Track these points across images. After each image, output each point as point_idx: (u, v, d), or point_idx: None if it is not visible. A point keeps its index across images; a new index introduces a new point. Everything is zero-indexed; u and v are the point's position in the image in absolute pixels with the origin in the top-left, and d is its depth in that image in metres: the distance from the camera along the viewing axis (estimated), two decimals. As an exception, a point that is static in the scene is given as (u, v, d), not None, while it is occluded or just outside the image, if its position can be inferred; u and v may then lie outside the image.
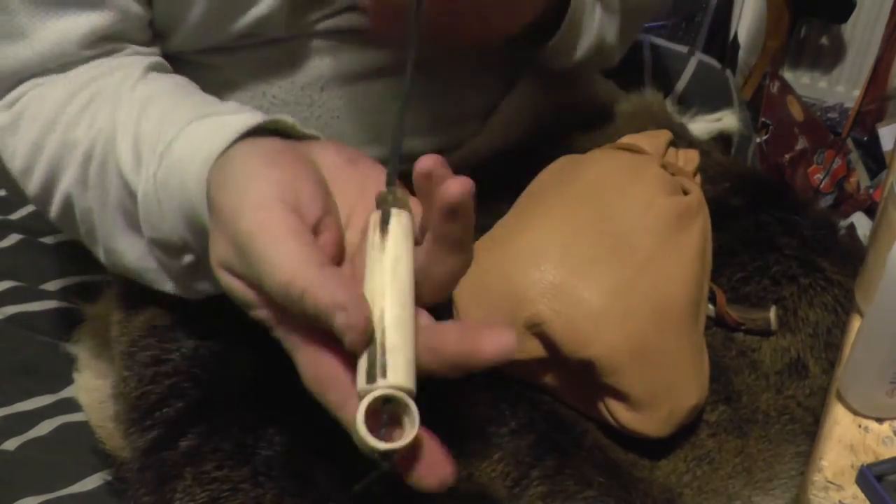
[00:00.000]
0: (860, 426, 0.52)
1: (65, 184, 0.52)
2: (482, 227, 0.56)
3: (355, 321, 0.34)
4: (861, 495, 0.49)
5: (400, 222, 0.38)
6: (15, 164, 0.54)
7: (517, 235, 0.55)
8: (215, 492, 0.48)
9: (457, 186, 0.34)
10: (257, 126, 0.43)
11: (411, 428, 0.35)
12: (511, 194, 0.60)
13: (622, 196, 0.56)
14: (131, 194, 0.48)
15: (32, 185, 0.54)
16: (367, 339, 0.35)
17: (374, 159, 0.45)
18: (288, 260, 0.36)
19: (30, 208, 0.81)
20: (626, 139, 0.64)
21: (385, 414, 0.35)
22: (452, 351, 0.35)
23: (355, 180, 0.43)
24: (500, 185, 0.60)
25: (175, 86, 0.52)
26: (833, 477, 0.50)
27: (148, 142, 0.47)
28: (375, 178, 0.43)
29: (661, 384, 0.51)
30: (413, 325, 0.36)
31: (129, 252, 0.52)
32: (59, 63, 0.53)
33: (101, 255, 0.54)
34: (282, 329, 0.38)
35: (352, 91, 0.61)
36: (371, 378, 0.34)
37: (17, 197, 0.82)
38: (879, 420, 0.53)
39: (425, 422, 0.35)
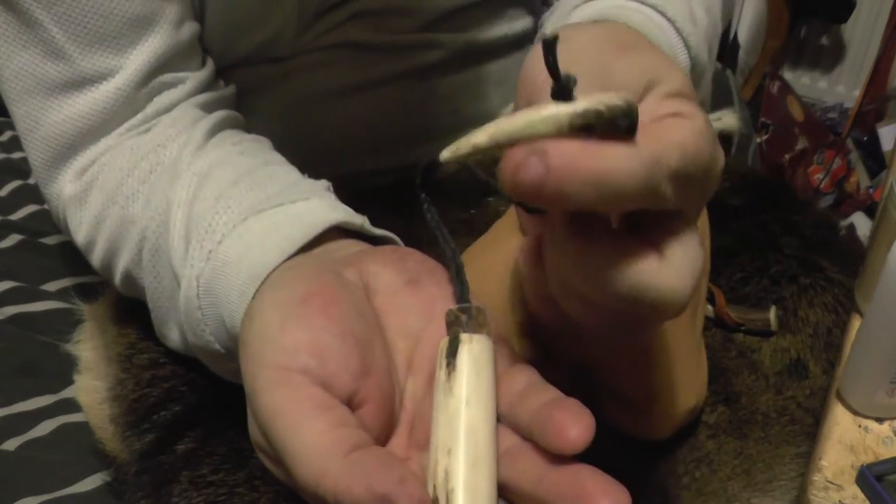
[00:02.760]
0: (860, 426, 0.52)
1: (123, 261, 0.49)
2: (480, 231, 0.57)
3: None
4: (861, 495, 0.49)
5: (472, 351, 0.31)
6: (79, 238, 0.52)
7: (512, 237, 0.55)
8: (211, 495, 0.48)
9: (576, 432, 0.29)
10: (323, 231, 0.39)
11: None
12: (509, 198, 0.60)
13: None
14: (177, 281, 0.44)
15: (95, 259, 0.52)
16: None
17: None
18: (313, 453, 0.30)
19: (30, 208, 0.81)
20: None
21: None
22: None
23: (418, 308, 0.36)
24: (498, 188, 0.60)
25: (240, 154, 0.47)
26: (833, 477, 0.50)
27: (197, 231, 0.42)
28: (445, 304, 0.35)
29: (658, 386, 0.51)
30: (493, 487, 0.30)
31: (177, 343, 0.48)
32: (121, 108, 0.50)
33: (161, 340, 0.51)
34: None
35: (348, 103, 0.61)
36: None
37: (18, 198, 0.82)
38: (879, 420, 0.53)
39: None
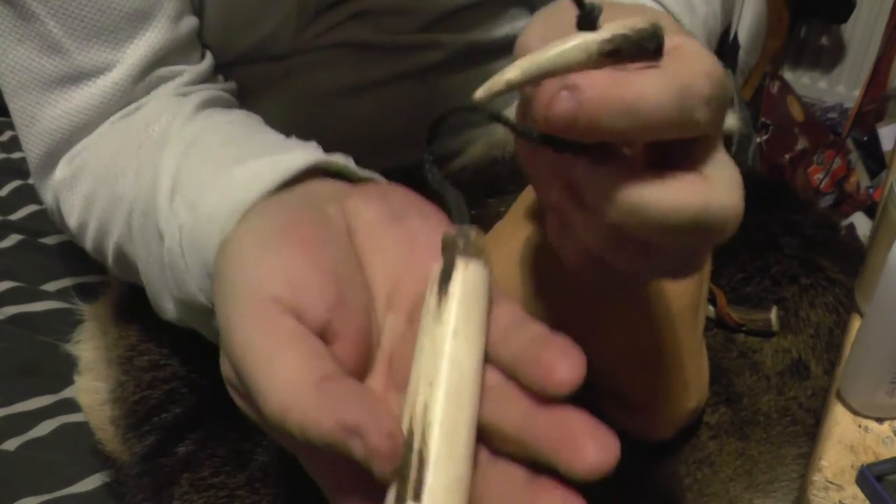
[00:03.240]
0: (860, 426, 0.52)
1: (114, 238, 0.48)
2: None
3: (376, 443, 0.26)
4: (861, 495, 0.49)
5: (466, 278, 0.29)
6: (72, 222, 0.51)
7: (512, 237, 0.55)
8: (212, 498, 0.48)
9: (565, 371, 0.26)
10: (302, 171, 0.37)
11: None
12: (509, 199, 0.60)
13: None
14: (161, 239, 0.43)
15: (88, 241, 0.51)
16: (401, 458, 0.26)
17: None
18: (282, 385, 0.28)
19: (30, 208, 0.81)
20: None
21: None
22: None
23: (401, 242, 0.34)
24: (498, 189, 0.60)
25: (228, 122, 0.47)
26: (833, 477, 0.50)
27: (182, 187, 0.42)
28: (429, 238, 0.33)
29: (660, 386, 0.51)
30: (472, 426, 0.28)
31: (172, 312, 0.47)
32: (118, 102, 0.50)
33: (159, 314, 0.49)
34: (303, 457, 0.31)
35: (349, 103, 0.61)
36: (401, 499, 0.26)
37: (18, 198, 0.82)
38: (879, 420, 0.53)
39: None
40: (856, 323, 0.58)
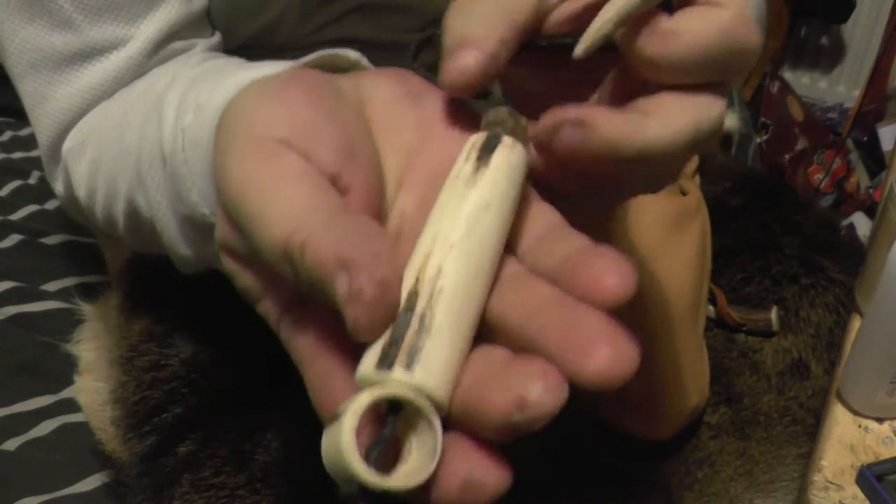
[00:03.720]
0: (860, 426, 0.52)
1: (123, 194, 0.45)
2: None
3: (362, 284, 0.23)
4: (861, 495, 0.49)
5: (511, 158, 0.27)
6: (81, 192, 0.49)
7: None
8: (213, 498, 0.48)
9: (617, 279, 0.23)
10: (313, 60, 0.34)
11: (425, 459, 0.23)
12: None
13: (622, 197, 0.56)
14: (164, 162, 0.40)
15: (98, 209, 0.48)
16: (384, 317, 0.23)
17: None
18: (290, 206, 0.25)
19: (30, 208, 0.81)
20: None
21: (389, 427, 0.23)
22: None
23: (415, 123, 0.31)
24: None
25: (238, 59, 0.44)
26: (833, 477, 0.50)
27: (189, 99, 0.39)
28: (447, 123, 0.31)
29: (660, 387, 0.51)
30: (480, 309, 0.25)
31: (189, 252, 0.43)
32: (132, 77, 0.48)
33: (179, 268, 0.46)
34: (287, 323, 0.28)
35: None
36: (385, 362, 0.22)
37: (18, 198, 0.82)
38: (879, 420, 0.53)
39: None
40: (856, 323, 0.58)
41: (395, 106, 0.32)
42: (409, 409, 0.23)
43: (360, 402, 0.22)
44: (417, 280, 0.24)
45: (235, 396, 0.53)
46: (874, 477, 0.48)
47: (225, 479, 0.48)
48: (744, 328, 0.60)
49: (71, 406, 0.64)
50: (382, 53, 0.61)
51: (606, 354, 0.22)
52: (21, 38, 0.48)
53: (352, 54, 0.36)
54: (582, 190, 0.31)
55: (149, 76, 0.48)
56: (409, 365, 0.22)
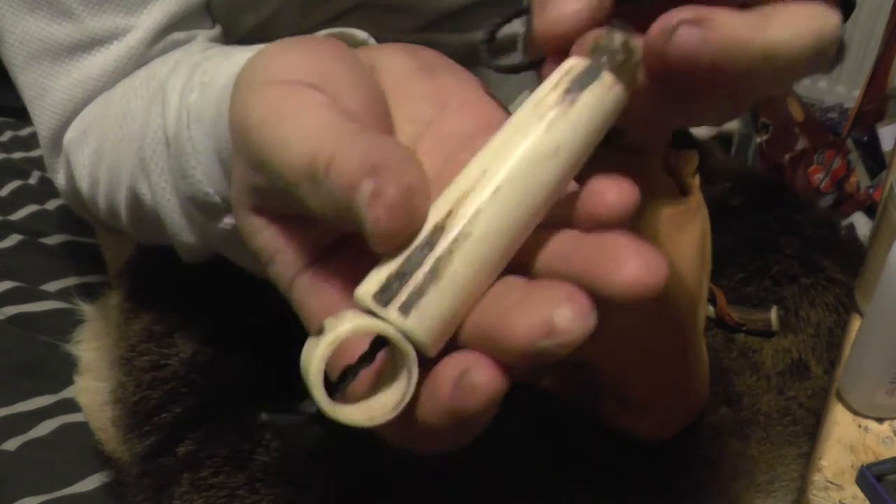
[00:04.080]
0: (860, 426, 0.52)
1: (126, 182, 0.45)
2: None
3: (387, 185, 0.21)
4: (861, 495, 0.49)
5: (603, 101, 0.23)
6: (83, 184, 0.49)
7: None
8: (212, 498, 0.48)
9: (614, 195, 0.23)
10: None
11: (390, 403, 0.22)
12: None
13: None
14: (167, 145, 0.40)
15: (101, 200, 0.48)
16: (405, 225, 0.22)
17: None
18: (314, 128, 0.25)
19: (31, 208, 0.81)
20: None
21: (366, 360, 0.22)
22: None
23: (430, 95, 0.30)
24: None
25: (244, 45, 0.44)
26: (833, 477, 0.50)
27: (193, 80, 0.38)
28: (462, 95, 0.30)
29: (660, 386, 0.51)
30: (502, 265, 0.23)
31: (194, 239, 0.43)
32: (132, 68, 0.48)
33: (183, 257, 0.46)
34: (303, 281, 0.27)
35: None
36: (386, 295, 0.21)
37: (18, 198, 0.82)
38: (879, 420, 0.53)
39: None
40: (856, 323, 0.58)
41: (409, 77, 0.31)
42: (393, 349, 0.22)
43: (340, 331, 0.21)
44: (449, 213, 0.22)
45: (235, 396, 0.53)
46: (874, 477, 0.48)
47: (224, 478, 0.48)
48: (743, 328, 0.60)
49: (71, 406, 0.64)
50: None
51: (636, 264, 0.21)
52: (21, 29, 0.48)
53: (359, 34, 0.35)
54: (686, 109, 0.28)
55: (150, 66, 0.48)
56: (405, 309, 0.21)
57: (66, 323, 0.67)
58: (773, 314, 0.60)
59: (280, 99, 0.26)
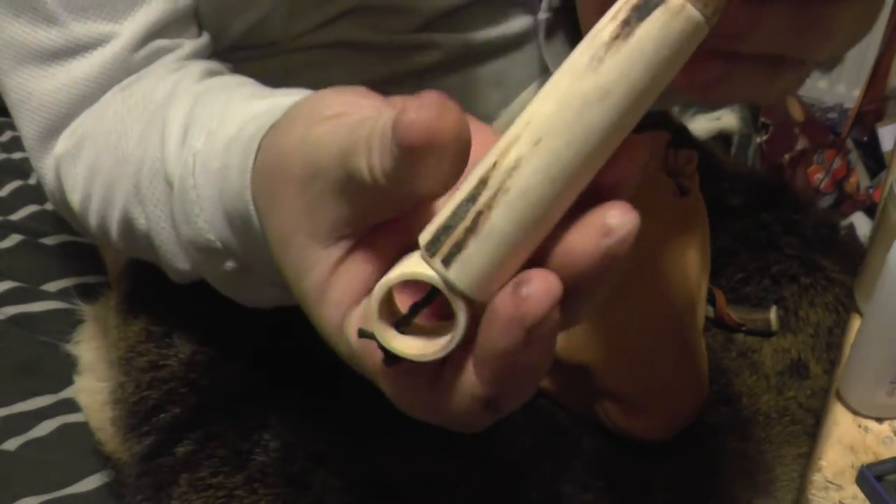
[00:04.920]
0: (860, 426, 0.52)
1: (120, 203, 0.46)
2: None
3: (430, 102, 0.22)
4: (861, 495, 0.49)
5: (667, 30, 0.20)
6: (75, 197, 0.49)
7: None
8: (211, 498, 0.48)
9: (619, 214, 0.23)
10: None
11: (438, 344, 0.23)
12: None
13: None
14: (169, 185, 0.41)
15: (92, 216, 0.49)
16: (440, 145, 0.21)
17: None
18: (370, 109, 0.27)
19: (31, 209, 0.81)
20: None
21: (422, 302, 0.23)
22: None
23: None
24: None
25: (239, 79, 0.46)
26: (833, 477, 0.50)
27: (197, 124, 0.40)
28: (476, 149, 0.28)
29: (659, 387, 0.51)
30: (549, 221, 0.22)
31: (185, 265, 0.44)
32: (118, 74, 0.49)
33: (173, 278, 0.47)
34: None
35: None
36: (434, 246, 0.22)
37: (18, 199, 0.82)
38: (879, 420, 0.53)
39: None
40: (856, 323, 0.58)
41: None
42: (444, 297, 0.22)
43: (392, 276, 0.23)
44: (494, 165, 0.21)
45: (234, 396, 0.53)
46: (874, 477, 0.48)
47: (223, 479, 0.48)
48: (743, 328, 0.60)
49: (71, 406, 0.64)
50: (377, 55, 0.61)
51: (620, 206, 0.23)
52: (6, 35, 0.48)
53: None
54: (777, 48, 0.26)
55: (145, 81, 0.49)
56: (447, 261, 0.21)
57: (66, 323, 0.67)
58: (773, 314, 0.60)
59: (339, 123, 0.27)
